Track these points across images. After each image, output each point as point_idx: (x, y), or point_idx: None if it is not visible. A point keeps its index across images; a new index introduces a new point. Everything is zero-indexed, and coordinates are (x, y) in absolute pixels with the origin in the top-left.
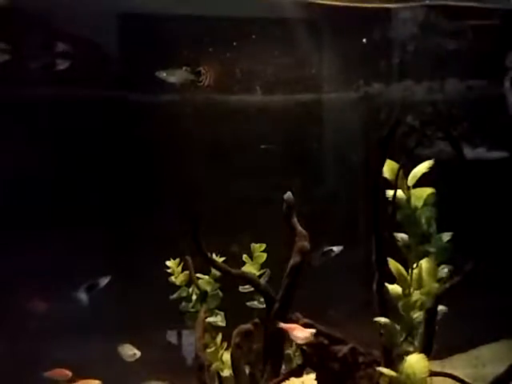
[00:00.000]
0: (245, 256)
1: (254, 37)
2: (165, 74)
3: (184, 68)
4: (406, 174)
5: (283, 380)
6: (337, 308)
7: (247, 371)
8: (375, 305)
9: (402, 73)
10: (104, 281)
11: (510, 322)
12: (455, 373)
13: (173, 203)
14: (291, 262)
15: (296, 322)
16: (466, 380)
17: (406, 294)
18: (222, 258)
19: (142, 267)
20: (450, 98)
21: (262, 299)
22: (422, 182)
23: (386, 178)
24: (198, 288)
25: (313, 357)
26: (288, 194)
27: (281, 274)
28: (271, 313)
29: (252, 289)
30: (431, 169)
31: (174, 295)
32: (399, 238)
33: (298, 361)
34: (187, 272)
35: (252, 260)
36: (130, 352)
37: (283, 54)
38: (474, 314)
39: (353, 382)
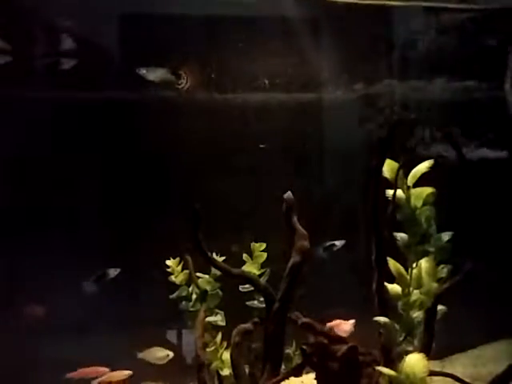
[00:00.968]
0: (245, 255)
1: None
2: (145, 71)
3: (165, 68)
4: (406, 174)
5: (283, 379)
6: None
7: (247, 370)
8: (375, 304)
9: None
10: (113, 272)
11: (510, 321)
12: (455, 372)
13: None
14: (291, 261)
15: (296, 321)
16: (466, 380)
17: (406, 294)
18: (222, 258)
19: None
20: (451, 98)
21: (261, 299)
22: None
23: (385, 178)
24: (198, 287)
25: (312, 356)
26: (288, 194)
27: (281, 274)
28: (271, 312)
29: (252, 288)
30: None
31: (174, 294)
32: (399, 238)
33: (297, 360)
34: (187, 271)
35: (252, 259)
36: (162, 354)
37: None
38: (475, 313)
39: (352, 381)
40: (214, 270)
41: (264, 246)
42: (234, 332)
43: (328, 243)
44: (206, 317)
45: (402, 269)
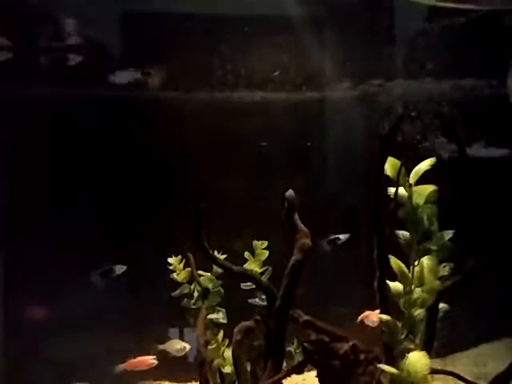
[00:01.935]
0: (247, 253)
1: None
2: (113, 76)
3: (131, 69)
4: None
5: (284, 377)
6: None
7: (248, 368)
8: (377, 302)
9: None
10: (119, 269)
11: (511, 320)
12: (456, 371)
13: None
14: (293, 259)
15: (297, 319)
16: (468, 378)
17: (408, 292)
18: (224, 256)
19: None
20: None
21: (263, 296)
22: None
23: (387, 176)
24: (200, 285)
25: (314, 354)
26: (289, 192)
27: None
28: (273, 310)
29: (254, 286)
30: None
31: (176, 292)
32: (401, 236)
33: (299, 358)
34: (189, 269)
35: (254, 257)
36: (179, 346)
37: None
38: (476, 312)
39: (354, 379)
40: (215, 268)
41: (266, 243)
42: (236, 330)
43: (332, 237)
44: (208, 314)
45: (403, 267)
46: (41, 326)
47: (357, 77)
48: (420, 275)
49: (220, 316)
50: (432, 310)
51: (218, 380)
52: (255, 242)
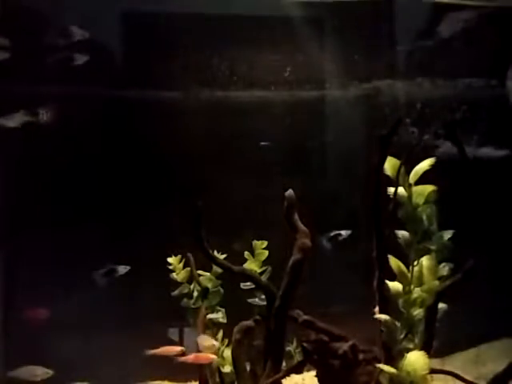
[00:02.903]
0: (246, 253)
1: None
2: (3, 120)
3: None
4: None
5: (284, 376)
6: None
7: (248, 367)
8: (376, 302)
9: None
10: (123, 269)
11: (510, 320)
12: (455, 371)
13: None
14: (292, 259)
15: (297, 319)
16: (467, 378)
17: (407, 292)
18: (223, 255)
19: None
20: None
21: (263, 296)
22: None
23: (387, 175)
24: (200, 285)
25: (313, 354)
26: (289, 192)
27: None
28: (272, 310)
29: (253, 286)
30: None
31: (176, 292)
32: (400, 236)
33: (298, 357)
34: (189, 269)
35: (253, 257)
36: (208, 343)
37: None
38: (476, 312)
39: (353, 378)
40: (215, 268)
41: (265, 243)
42: (236, 329)
43: (333, 233)
44: (208, 314)
45: (403, 266)
46: (41, 326)
47: (357, 77)
48: (419, 275)
49: (220, 316)
50: (431, 309)
51: (218, 379)
52: (255, 242)
